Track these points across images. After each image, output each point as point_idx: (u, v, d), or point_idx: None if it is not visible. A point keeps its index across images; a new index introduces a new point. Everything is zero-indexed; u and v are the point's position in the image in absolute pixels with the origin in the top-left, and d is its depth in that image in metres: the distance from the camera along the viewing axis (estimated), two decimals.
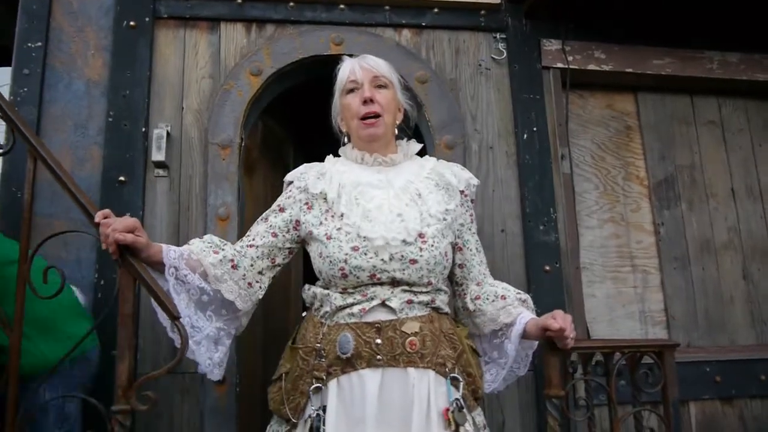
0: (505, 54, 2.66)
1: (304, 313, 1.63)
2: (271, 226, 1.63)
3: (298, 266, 3.33)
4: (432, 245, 1.51)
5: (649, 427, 1.97)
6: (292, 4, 2.54)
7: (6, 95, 2.14)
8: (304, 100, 2.98)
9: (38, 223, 2.12)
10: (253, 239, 1.62)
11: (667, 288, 2.71)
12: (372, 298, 1.47)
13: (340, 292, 1.50)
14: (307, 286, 1.61)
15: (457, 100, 2.58)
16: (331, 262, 1.49)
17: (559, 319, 1.49)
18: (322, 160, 1.73)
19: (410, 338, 1.44)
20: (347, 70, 1.67)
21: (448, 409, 1.41)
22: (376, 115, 1.61)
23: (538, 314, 1.62)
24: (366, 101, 1.61)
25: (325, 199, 1.60)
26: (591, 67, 2.72)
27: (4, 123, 1.69)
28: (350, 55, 1.76)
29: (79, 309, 1.98)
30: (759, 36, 2.86)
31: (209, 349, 1.53)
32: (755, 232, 2.86)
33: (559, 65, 2.68)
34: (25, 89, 2.31)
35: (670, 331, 2.67)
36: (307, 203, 1.62)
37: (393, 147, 1.70)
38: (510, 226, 2.51)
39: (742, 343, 2.71)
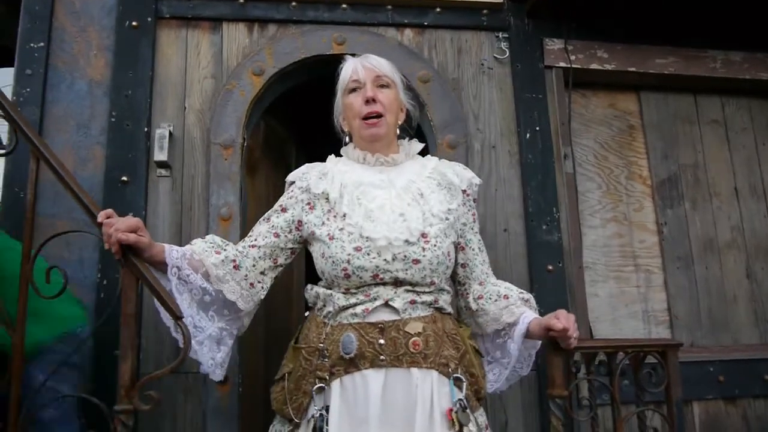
0: (507, 53, 2.66)
1: (306, 313, 1.63)
2: (273, 226, 1.62)
3: (300, 266, 3.33)
4: (435, 245, 1.51)
5: (652, 427, 1.97)
6: (294, 3, 2.54)
7: (9, 96, 2.14)
8: (306, 99, 2.98)
9: (41, 223, 2.11)
10: (255, 239, 1.61)
11: (670, 287, 2.70)
12: (375, 299, 1.46)
13: (343, 292, 1.50)
14: (309, 286, 1.61)
15: (459, 99, 2.58)
16: (333, 262, 1.49)
17: (562, 319, 1.49)
18: (324, 159, 1.72)
19: (413, 338, 1.43)
20: (349, 69, 1.66)
21: (451, 410, 1.40)
22: (378, 115, 1.61)
23: (541, 314, 1.62)
24: (368, 101, 1.61)
25: (327, 199, 1.60)
26: (594, 66, 2.72)
27: (6, 123, 1.70)
28: (352, 55, 1.75)
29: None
30: (762, 35, 2.86)
31: (211, 349, 1.53)
32: (759, 231, 2.85)
33: (562, 64, 2.68)
34: (28, 89, 2.31)
35: (674, 330, 2.66)
36: (309, 203, 1.62)
37: (395, 147, 1.69)
38: (513, 225, 2.50)
39: (746, 343, 2.70)
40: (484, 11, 2.67)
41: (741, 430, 2.52)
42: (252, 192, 2.75)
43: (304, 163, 1.73)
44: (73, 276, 1.91)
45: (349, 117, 1.67)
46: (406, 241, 1.48)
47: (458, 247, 1.65)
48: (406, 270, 1.47)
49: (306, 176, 1.66)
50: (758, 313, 2.76)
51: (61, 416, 1.83)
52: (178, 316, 1.41)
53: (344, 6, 2.57)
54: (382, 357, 1.41)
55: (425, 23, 2.62)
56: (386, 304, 1.46)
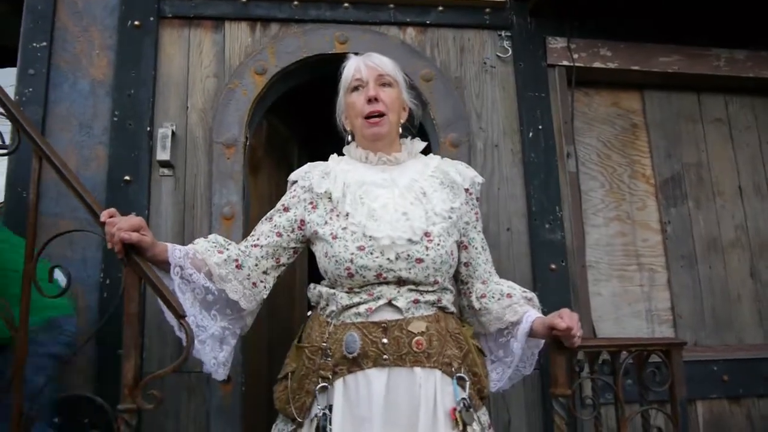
0: (510, 52, 2.65)
1: (309, 312, 1.63)
2: (275, 225, 1.62)
3: (302, 265, 3.33)
4: (438, 244, 1.50)
5: (656, 426, 1.96)
6: (296, 2, 2.54)
7: (11, 95, 2.15)
8: (308, 99, 2.98)
9: (44, 223, 2.12)
10: (258, 239, 1.61)
11: (673, 286, 2.70)
12: (378, 298, 1.46)
13: (346, 292, 1.49)
14: (312, 285, 1.60)
15: (462, 98, 2.57)
16: (337, 261, 1.48)
17: (566, 318, 1.48)
18: (326, 159, 1.72)
19: (417, 338, 1.43)
20: (352, 68, 1.66)
21: (455, 409, 1.40)
22: (381, 114, 1.60)
23: (544, 313, 1.61)
24: (370, 100, 1.60)
25: (329, 198, 1.59)
26: (596, 64, 2.71)
27: (9, 123, 1.70)
28: (355, 54, 1.75)
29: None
30: (766, 33, 2.85)
31: (214, 349, 1.53)
32: (763, 230, 2.84)
33: (565, 63, 2.67)
34: (30, 89, 2.32)
35: (677, 329, 2.66)
36: (311, 202, 1.62)
37: (397, 146, 1.69)
38: (515, 224, 2.50)
39: (750, 342, 2.69)
40: (487, 10, 2.66)
41: (745, 430, 2.52)
42: (254, 191, 2.75)
43: (306, 162, 1.73)
44: (76, 275, 1.91)
45: (351, 116, 1.67)
46: (410, 240, 1.48)
47: (461, 246, 1.65)
48: (410, 269, 1.47)
49: (308, 175, 1.66)
50: (762, 312, 2.75)
51: (36, 414, 1.64)
52: (180, 315, 1.41)
53: (346, 5, 2.57)
54: (385, 356, 1.41)
55: (428, 22, 2.62)
56: (389, 304, 1.46)
